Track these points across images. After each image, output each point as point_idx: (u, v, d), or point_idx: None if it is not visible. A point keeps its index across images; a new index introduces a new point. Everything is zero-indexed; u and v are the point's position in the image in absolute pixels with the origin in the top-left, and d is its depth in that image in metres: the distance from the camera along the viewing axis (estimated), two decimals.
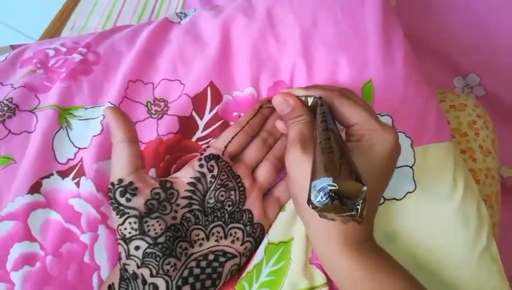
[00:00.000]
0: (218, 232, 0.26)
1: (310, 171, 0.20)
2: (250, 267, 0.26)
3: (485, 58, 0.61)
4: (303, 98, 0.27)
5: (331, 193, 0.17)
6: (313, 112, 0.26)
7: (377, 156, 0.23)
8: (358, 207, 0.17)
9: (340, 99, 0.25)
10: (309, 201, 0.18)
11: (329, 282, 0.25)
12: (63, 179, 0.28)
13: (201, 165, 0.27)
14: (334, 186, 0.17)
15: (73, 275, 0.27)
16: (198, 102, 0.31)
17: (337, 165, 0.18)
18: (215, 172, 0.27)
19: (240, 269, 0.27)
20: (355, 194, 0.17)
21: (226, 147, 0.28)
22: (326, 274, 0.26)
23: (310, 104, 0.26)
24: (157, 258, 0.23)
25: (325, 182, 0.17)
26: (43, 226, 0.27)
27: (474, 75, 0.61)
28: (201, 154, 0.28)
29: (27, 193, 0.27)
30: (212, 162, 0.27)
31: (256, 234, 0.27)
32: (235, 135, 0.28)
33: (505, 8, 0.63)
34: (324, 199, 0.17)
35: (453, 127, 0.40)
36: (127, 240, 0.24)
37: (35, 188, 0.28)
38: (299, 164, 0.24)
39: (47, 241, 0.27)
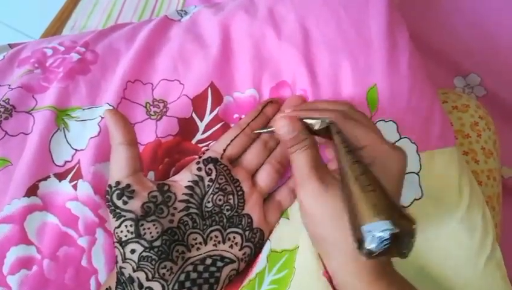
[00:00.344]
0: (216, 237, 0.26)
1: (334, 202, 0.19)
2: (252, 275, 0.26)
3: (485, 58, 0.61)
4: (307, 121, 0.25)
5: (391, 237, 0.16)
6: (316, 135, 0.25)
7: (389, 178, 0.23)
8: (411, 245, 0.17)
9: (346, 120, 0.24)
10: (361, 247, 0.17)
11: None
12: (60, 181, 0.28)
13: (199, 169, 0.26)
14: (394, 229, 0.16)
15: (71, 279, 0.27)
16: (198, 103, 0.31)
17: (384, 205, 0.17)
18: (213, 176, 0.26)
19: (238, 274, 0.26)
20: (409, 232, 0.17)
21: (224, 150, 0.27)
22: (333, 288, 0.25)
23: (316, 128, 0.24)
24: (153, 262, 0.23)
25: (382, 227, 0.16)
26: (40, 229, 0.27)
27: (474, 75, 0.61)
28: (200, 157, 0.27)
29: (24, 196, 0.27)
30: (210, 166, 0.26)
31: (256, 239, 0.27)
32: (235, 138, 0.28)
33: (506, 9, 0.64)
34: (384, 243, 0.16)
35: (455, 128, 0.40)
36: (123, 243, 0.23)
37: (32, 190, 0.27)
38: (320, 200, 0.22)
39: (44, 245, 0.26)
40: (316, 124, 0.24)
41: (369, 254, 0.17)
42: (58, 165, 0.28)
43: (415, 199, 0.28)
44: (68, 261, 0.27)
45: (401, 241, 0.16)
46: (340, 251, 0.22)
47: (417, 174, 0.29)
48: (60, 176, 0.28)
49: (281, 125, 0.24)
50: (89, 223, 0.27)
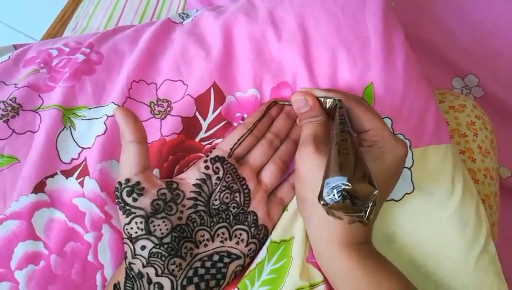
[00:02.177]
0: (223, 234, 0.26)
1: (321, 170, 0.20)
2: (252, 265, 0.27)
3: (483, 59, 0.62)
4: (321, 100, 0.27)
5: (344, 192, 0.17)
6: (329, 115, 0.27)
7: (386, 163, 0.24)
8: (367, 209, 0.18)
9: (357, 104, 0.26)
10: (320, 197, 0.18)
11: (325, 280, 0.26)
12: (66, 178, 0.29)
13: (206, 167, 0.27)
14: (348, 185, 0.17)
15: (77, 274, 0.27)
16: (201, 103, 0.32)
17: (352, 166, 0.19)
18: (221, 174, 0.27)
19: (244, 269, 0.27)
20: (366, 196, 0.18)
21: (232, 149, 0.28)
22: (322, 272, 0.26)
23: (327, 106, 0.27)
24: (163, 258, 0.24)
25: (339, 181, 0.18)
26: (47, 225, 0.27)
27: (472, 76, 0.61)
28: (207, 155, 0.28)
29: (31, 193, 0.27)
30: (218, 164, 0.27)
31: (261, 235, 0.27)
32: (242, 137, 0.28)
33: (504, 10, 0.64)
34: (337, 197, 0.18)
35: (452, 127, 0.40)
36: (133, 240, 0.24)
37: (39, 187, 0.28)
38: (310, 162, 0.24)
39: (51, 241, 0.27)
40: (328, 102, 0.27)
41: (325, 205, 0.18)
42: (65, 163, 0.29)
43: (406, 193, 0.29)
44: (75, 256, 0.27)
45: (357, 202, 0.18)
46: (318, 214, 0.24)
47: (409, 169, 0.30)
48: (67, 173, 0.29)
49: (296, 99, 0.27)
50: (95, 219, 0.28)
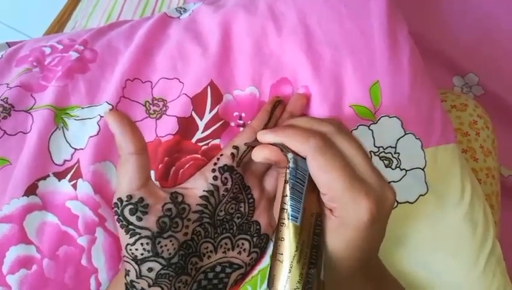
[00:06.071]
0: (226, 244, 0.26)
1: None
2: (254, 271, 0.26)
3: (483, 58, 0.62)
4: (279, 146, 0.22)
5: None
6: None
7: (346, 229, 0.21)
8: None
9: (314, 157, 0.21)
10: None
11: None
12: (59, 180, 0.28)
13: (215, 177, 0.25)
14: None
15: (71, 278, 0.26)
16: (198, 102, 0.31)
17: (283, 279, 0.19)
18: (229, 185, 0.26)
19: (244, 276, 0.27)
20: None
21: (240, 157, 0.26)
22: None
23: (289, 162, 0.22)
24: (170, 278, 0.23)
25: None
26: (40, 228, 0.27)
27: (472, 75, 0.61)
28: (215, 163, 0.26)
29: (23, 195, 0.27)
30: (227, 175, 0.26)
31: (263, 244, 0.27)
32: (251, 144, 0.26)
33: (505, 9, 0.64)
34: None
35: (454, 127, 0.40)
36: (138, 261, 0.22)
37: (31, 190, 0.27)
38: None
39: (43, 244, 0.26)
40: (288, 156, 0.22)
41: None
42: (57, 165, 0.28)
43: (421, 195, 0.29)
44: (68, 260, 0.26)
45: None
46: None
47: (423, 169, 0.29)
48: (60, 175, 0.28)
49: (261, 159, 0.23)
50: (88, 223, 0.27)
